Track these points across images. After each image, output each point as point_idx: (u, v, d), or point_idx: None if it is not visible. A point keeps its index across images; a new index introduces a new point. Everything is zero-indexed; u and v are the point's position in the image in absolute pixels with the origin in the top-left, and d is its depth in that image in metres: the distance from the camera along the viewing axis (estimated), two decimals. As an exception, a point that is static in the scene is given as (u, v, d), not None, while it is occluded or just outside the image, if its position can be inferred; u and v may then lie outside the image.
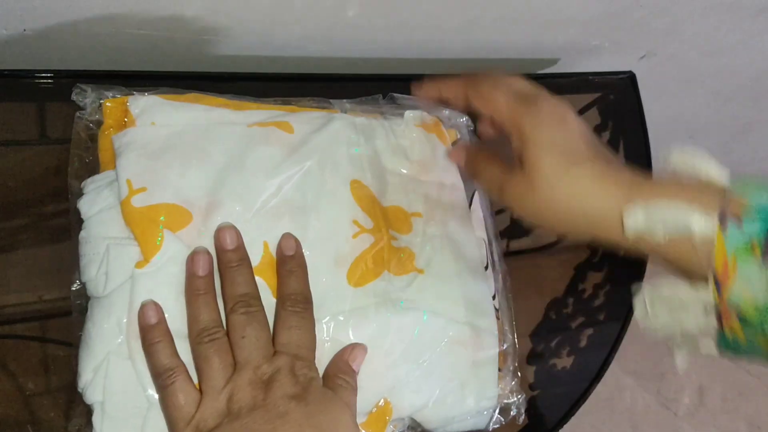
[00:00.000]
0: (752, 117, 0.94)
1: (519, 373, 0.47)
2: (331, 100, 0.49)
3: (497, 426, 0.46)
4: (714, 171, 0.39)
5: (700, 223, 0.36)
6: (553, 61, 0.62)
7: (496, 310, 0.48)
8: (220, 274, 0.40)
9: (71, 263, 0.40)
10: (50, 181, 0.43)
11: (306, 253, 0.42)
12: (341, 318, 0.42)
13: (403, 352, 0.43)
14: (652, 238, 0.38)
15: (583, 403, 0.51)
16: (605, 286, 0.57)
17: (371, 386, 0.42)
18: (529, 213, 0.40)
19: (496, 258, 0.51)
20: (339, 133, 0.47)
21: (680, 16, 0.61)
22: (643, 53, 0.66)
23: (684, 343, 0.41)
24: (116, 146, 0.42)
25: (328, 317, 0.42)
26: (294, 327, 0.39)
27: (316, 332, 0.40)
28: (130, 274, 0.39)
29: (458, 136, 0.52)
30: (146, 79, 0.43)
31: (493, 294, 0.48)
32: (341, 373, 0.40)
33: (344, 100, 0.49)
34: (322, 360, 0.41)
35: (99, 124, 0.43)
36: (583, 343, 0.55)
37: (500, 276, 0.50)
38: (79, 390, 0.38)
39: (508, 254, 0.54)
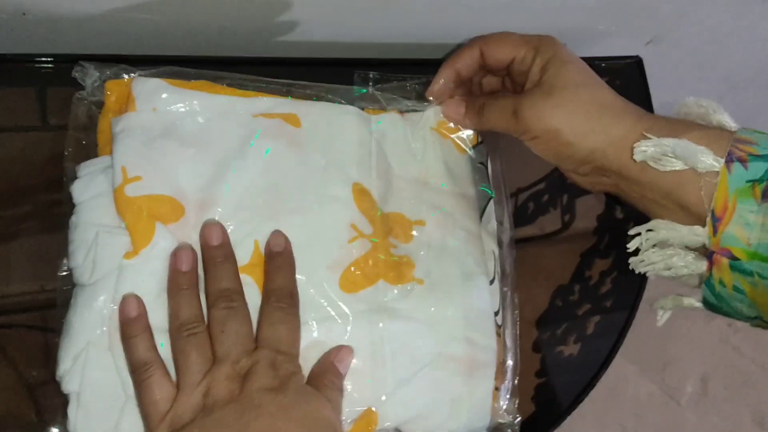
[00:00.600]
0: (759, 104, 0.93)
1: (518, 393, 0.46)
2: (354, 87, 0.47)
3: None
4: (725, 119, 0.40)
5: (707, 158, 0.37)
6: (560, 46, 0.61)
7: (498, 326, 0.47)
8: (204, 269, 0.39)
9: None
10: (52, 168, 0.43)
11: (298, 254, 0.41)
12: (330, 323, 0.41)
13: (393, 362, 0.42)
14: (658, 166, 0.38)
15: (591, 389, 0.51)
16: (612, 273, 0.57)
17: (357, 394, 0.41)
18: (545, 124, 0.41)
19: (507, 269, 0.49)
20: (348, 130, 0.45)
21: (687, 0, 0.61)
22: (649, 39, 0.65)
23: (664, 302, 0.43)
24: (114, 130, 0.41)
25: (316, 321, 0.41)
26: (277, 323, 0.38)
27: (303, 336, 0.39)
28: (118, 263, 0.38)
29: (480, 140, 0.51)
30: (148, 63, 0.43)
31: (496, 310, 0.47)
32: (327, 373, 0.39)
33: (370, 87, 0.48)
34: (308, 364, 0.40)
35: (99, 104, 0.42)
36: (590, 330, 0.55)
37: (509, 292, 0.49)
38: (57, 378, 0.37)
39: (512, 242, 0.53)
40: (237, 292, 0.39)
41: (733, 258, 0.36)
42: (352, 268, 0.42)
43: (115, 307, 0.38)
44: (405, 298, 0.43)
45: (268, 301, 0.39)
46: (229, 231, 0.41)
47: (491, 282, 0.47)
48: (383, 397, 0.41)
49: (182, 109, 0.42)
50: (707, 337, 1.32)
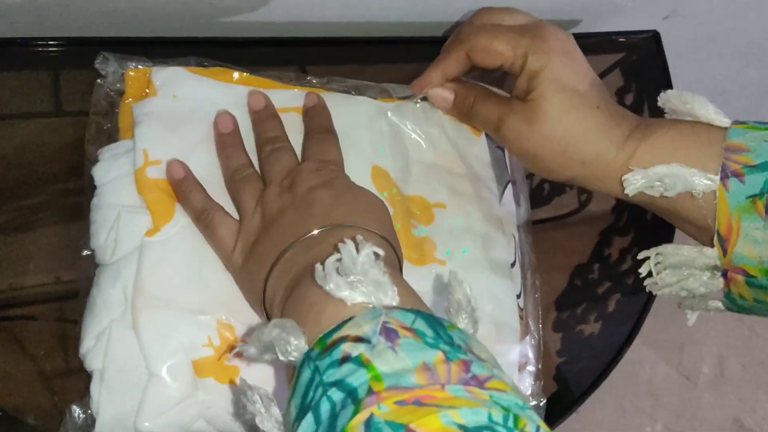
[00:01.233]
0: (776, 79, 0.92)
1: (542, 377, 0.46)
2: (365, 83, 0.48)
3: None
4: (713, 115, 0.38)
5: (700, 180, 0.36)
6: (575, 23, 0.60)
7: (521, 308, 0.47)
8: (253, 130, 0.43)
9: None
10: (67, 155, 0.43)
11: None
12: None
13: None
14: (654, 193, 0.38)
15: (614, 367, 0.51)
16: (632, 250, 0.56)
17: None
18: (525, 150, 0.40)
19: (527, 252, 0.49)
20: (363, 118, 0.46)
21: (705, -27, 0.60)
22: (667, 13, 0.64)
23: (691, 302, 0.40)
24: (136, 114, 0.42)
25: None
26: (317, 143, 0.42)
27: None
28: (140, 242, 0.38)
29: None
30: (164, 45, 0.43)
31: (518, 292, 0.47)
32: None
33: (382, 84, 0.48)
34: None
35: (119, 93, 0.43)
36: (611, 308, 0.54)
37: (529, 273, 0.48)
38: (80, 356, 0.37)
39: (530, 223, 0.53)
40: (281, 138, 0.41)
41: (749, 275, 0.35)
42: None
43: (138, 286, 0.38)
44: (427, 279, 0.43)
45: (308, 136, 0.43)
46: None
47: (512, 265, 0.47)
48: None
49: (202, 97, 0.43)
50: (723, 318, 1.31)
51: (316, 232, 0.34)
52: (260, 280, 0.35)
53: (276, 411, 0.31)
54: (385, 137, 0.46)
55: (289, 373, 0.30)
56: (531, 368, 0.46)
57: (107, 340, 0.37)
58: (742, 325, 1.32)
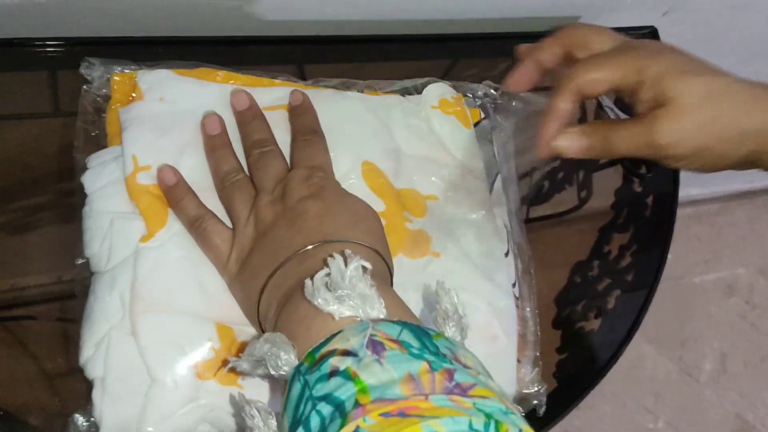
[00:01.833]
0: (776, 75, 0.92)
1: (540, 363, 0.46)
2: (349, 81, 0.48)
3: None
4: None
5: None
6: (575, 19, 0.60)
7: (516, 297, 0.47)
8: (240, 132, 0.42)
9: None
10: (66, 156, 0.43)
11: None
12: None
13: None
14: None
15: (614, 364, 0.51)
16: (631, 247, 0.56)
17: None
18: (691, 147, 0.37)
19: (519, 242, 0.49)
20: (352, 113, 0.46)
21: (704, -31, 0.60)
22: (665, 9, 0.64)
23: None
24: (123, 120, 0.41)
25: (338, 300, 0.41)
26: (305, 147, 0.41)
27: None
28: (134, 248, 0.38)
29: (482, 116, 0.51)
30: (161, 45, 0.42)
31: (513, 282, 0.47)
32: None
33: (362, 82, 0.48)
34: None
35: (106, 98, 0.43)
36: (611, 305, 0.54)
37: (523, 262, 0.48)
38: (80, 365, 0.37)
39: (528, 221, 0.53)
40: (269, 140, 0.41)
41: None
42: None
43: (135, 292, 0.37)
44: (423, 272, 0.43)
45: (295, 139, 0.42)
46: None
47: (506, 254, 0.47)
48: None
49: (189, 99, 0.43)
50: (725, 315, 1.31)
51: (309, 247, 0.35)
52: (255, 293, 0.36)
53: (274, 424, 0.31)
54: (374, 132, 0.46)
55: (282, 385, 0.31)
56: (529, 354, 0.46)
57: (107, 348, 0.37)
58: (743, 321, 1.32)
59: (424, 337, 0.29)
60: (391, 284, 0.37)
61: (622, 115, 0.57)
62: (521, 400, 0.45)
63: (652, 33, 0.61)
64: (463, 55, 0.55)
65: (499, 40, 0.55)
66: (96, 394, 0.36)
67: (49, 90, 0.45)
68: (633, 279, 0.55)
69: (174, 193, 0.39)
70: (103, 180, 0.40)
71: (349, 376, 0.26)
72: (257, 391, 0.37)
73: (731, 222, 1.39)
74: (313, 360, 0.28)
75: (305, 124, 0.43)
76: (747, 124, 0.37)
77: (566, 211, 0.57)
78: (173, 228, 0.39)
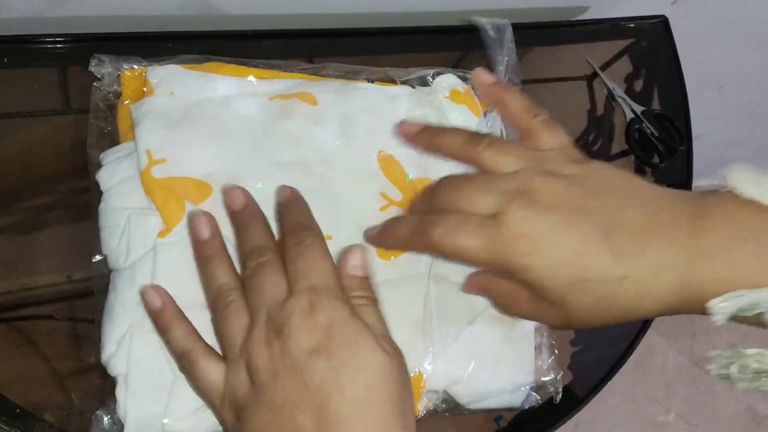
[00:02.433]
0: (785, 63, 0.91)
1: (556, 351, 0.45)
2: (357, 67, 0.47)
3: (534, 405, 0.45)
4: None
5: None
6: (583, 9, 0.60)
7: None
8: (236, 236, 0.38)
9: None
10: (77, 154, 0.43)
11: (331, 227, 0.41)
12: None
13: (435, 325, 0.42)
14: (745, 318, 0.33)
15: (629, 356, 0.50)
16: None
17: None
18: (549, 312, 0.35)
19: None
20: (364, 103, 0.46)
21: (713, -43, 0.59)
22: (675, -2, 0.64)
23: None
24: (134, 116, 0.41)
25: None
26: (298, 256, 0.35)
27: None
28: (153, 244, 0.38)
29: (488, 107, 0.51)
30: (173, 39, 0.42)
31: None
32: (349, 292, 0.35)
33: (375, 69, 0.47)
34: None
35: (117, 94, 0.43)
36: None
37: None
38: (103, 362, 0.37)
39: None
40: (266, 248, 0.36)
41: None
42: None
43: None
44: (441, 262, 0.43)
45: (286, 243, 0.36)
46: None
47: None
48: (429, 360, 0.41)
49: (200, 92, 0.43)
50: (735, 306, 1.30)
51: None
52: None
53: None
54: (388, 122, 0.46)
55: None
56: (545, 341, 0.45)
57: (129, 345, 0.37)
58: (753, 312, 1.31)
59: None
60: None
61: (635, 106, 0.56)
62: (538, 387, 0.45)
63: (663, 22, 0.60)
64: (473, 47, 0.55)
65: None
66: (120, 391, 0.36)
67: (60, 87, 0.45)
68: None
69: (161, 319, 0.36)
70: (118, 176, 0.40)
71: None
72: None
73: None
74: None
75: (295, 221, 0.37)
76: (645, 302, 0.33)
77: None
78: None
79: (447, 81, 0.50)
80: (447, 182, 0.38)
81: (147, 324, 0.37)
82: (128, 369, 0.36)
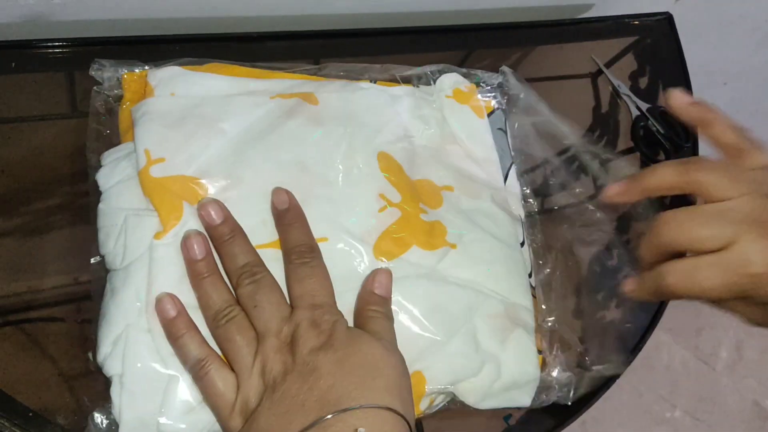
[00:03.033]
0: (789, 59, 0.91)
1: (561, 353, 0.46)
2: (361, 65, 0.47)
3: (544, 405, 0.45)
4: None
5: None
6: (588, 7, 0.60)
7: (533, 287, 0.47)
8: (216, 250, 0.39)
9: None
10: (84, 156, 0.43)
11: (330, 228, 0.41)
12: None
13: (434, 325, 0.42)
14: None
15: (637, 354, 0.50)
16: (651, 236, 0.56)
17: (402, 356, 0.40)
18: None
19: (534, 232, 0.49)
20: (366, 103, 0.46)
21: (717, -47, 0.59)
22: (679, -6, 0.64)
23: None
24: (134, 117, 0.41)
25: (355, 291, 0.41)
26: (305, 278, 0.38)
27: (343, 307, 0.39)
28: (149, 245, 0.38)
29: (495, 106, 0.51)
30: (178, 42, 0.42)
31: (529, 271, 0.47)
32: (368, 305, 0.39)
33: (377, 66, 0.47)
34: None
35: (118, 98, 0.43)
36: (632, 293, 0.54)
37: (538, 253, 0.48)
38: (98, 363, 0.37)
39: (544, 212, 0.52)
40: (257, 264, 0.38)
41: None
42: (385, 237, 0.42)
43: (151, 289, 0.37)
44: (440, 263, 0.43)
45: (290, 260, 0.38)
46: (257, 207, 0.41)
47: (522, 244, 0.47)
48: (429, 360, 0.41)
49: (200, 92, 0.43)
50: (740, 302, 1.30)
51: (328, 417, 0.32)
52: None
53: None
54: (388, 122, 0.46)
55: None
56: (548, 344, 0.46)
57: (124, 345, 0.37)
58: (759, 308, 1.31)
59: None
60: None
61: (640, 103, 0.56)
62: (548, 389, 0.45)
63: (667, 19, 0.60)
64: (477, 46, 0.55)
65: (513, 29, 0.55)
66: (114, 391, 0.36)
67: (68, 91, 0.45)
68: (654, 267, 0.55)
69: (174, 327, 0.36)
70: (116, 177, 0.40)
71: None
72: None
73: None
74: None
75: (298, 240, 0.39)
76: None
77: (583, 200, 0.57)
78: (188, 223, 0.39)
79: (450, 80, 0.50)
80: (668, 219, 0.37)
81: (143, 324, 0.37)
82: (123, 369, 0.36)
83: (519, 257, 0.46)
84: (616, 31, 0.59)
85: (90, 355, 0.38)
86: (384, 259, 0.42)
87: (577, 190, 0.56)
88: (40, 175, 0.43)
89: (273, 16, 0.49)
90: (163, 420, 0.36)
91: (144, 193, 0.39)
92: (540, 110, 0.51)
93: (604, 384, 0.48)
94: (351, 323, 0.40)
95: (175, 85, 0.42)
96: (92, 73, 0.42)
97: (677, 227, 0.37)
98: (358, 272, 0.41)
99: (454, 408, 0.43)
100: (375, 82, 0.48)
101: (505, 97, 0.51)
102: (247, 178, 0.41)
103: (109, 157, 0.41)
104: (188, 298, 0.38)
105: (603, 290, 0.53)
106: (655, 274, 0.37)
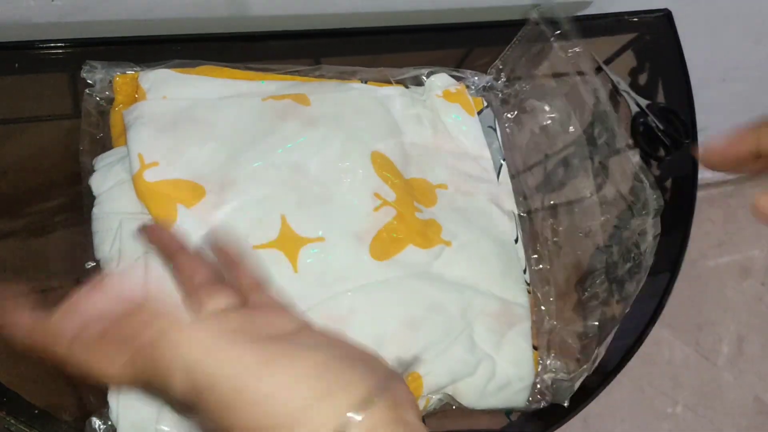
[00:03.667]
0: (788, 55, 0.91)
1: (558, 348, 0.46)
2: (352, 68, 0.47)
3: (541, 406, 0.45)
4: None
5: None
6: (587, 4, 0.60)
7: (527, 284, 0.47)
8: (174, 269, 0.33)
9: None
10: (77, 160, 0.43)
11: (326, 228, 0.41)
12: (365, 292, 0.41)
13: (430, 324, 0.42)
14: None
15: (637, 349, 0.50)
16: (650, 232, 0.56)
17: (399, 359, 0.41)
18: None
19: (527, 229, 0.49)
20: (358, 103, 0.46)
21: (715, -51, 0.59)
22: (677, -10, 0.64)
23: None
24: (126, 120, 0.41)
25: (350, 291, 0.41)
26: (268, 311, 0.31)
27: (339, 306, 0.39)
28: (145, 249, 0.38)
29: (485, 104, 0.51)
30: (180, 42, 0.42)
31: (523, 268, 0.47)
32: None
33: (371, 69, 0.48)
34: (351, 333, 0.39)
35: (109, 100, 0.43)
36: (632, 289, 0.54)
37: (533, 248, 0.48)
38: None
39: (544, 208, 0.52)
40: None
41: None
42: (381, 236, 0.42)
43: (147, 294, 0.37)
44: (435, 261, 0.43)
45: (250, 297, 0.32)
46: (253, 208, 0.41)
47: (516, 241, 0.48)
48: (423, 359, 0.41)
49: (192, 95, 0.43)
50: (741, 298, 1.30)
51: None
52: None
53: None
54: (381, 122, 0.46)
55: None
56: (544, 340, 0.46)
57: None
58: (759, 303, 1.31)
59: None
60: None
61: (640, 99, 0.57)
62: (543, 389, 0.45)
63: (666, 15, 0.60)
64: (476, 44, 0.55)
65: (512, 27, 0.55)
66: (112, 398, 0.37)
67: (70, 92, 0.45)
68: (654, 263, 0.55)
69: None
70: (110, 181, 0.40)
71: None
72: None
73: (745, 204, 1.38)
74: None
75: (255, 278, 0.33)
76: None
77: (584, 197, 0.57)
78: (183, 227, 0.39)
79: (440, 81, 0.50)
80: None
81: None
82: None
83: (513, 254, 0.47)
84: (615, 28, 0.59)
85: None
86: (380, 259, 0.42)
87: (575, 186, 0.56)
88: (44, 176, 0.43)
89: (275, 15, 0.49)
90: (161, 426, 0.36)
91: (138, 197, 0.39)
92: (539, 106, 0.52)
93: (603, 380, 0.49)
94: (350, 323, 0.39)
95: (167, 88, 0.42)
96: (83, 75, 0.42)
97: None
98: (354, 274, 0.41)
99: (451, 408, 0.43)
100: (366, 83, 0.48)
101: (496, 95, 0.52)
102: (240, 179, 0.41)
103: (102, 161, 0.41)
104: None
105: (602, 286, 0.53)
106: None
